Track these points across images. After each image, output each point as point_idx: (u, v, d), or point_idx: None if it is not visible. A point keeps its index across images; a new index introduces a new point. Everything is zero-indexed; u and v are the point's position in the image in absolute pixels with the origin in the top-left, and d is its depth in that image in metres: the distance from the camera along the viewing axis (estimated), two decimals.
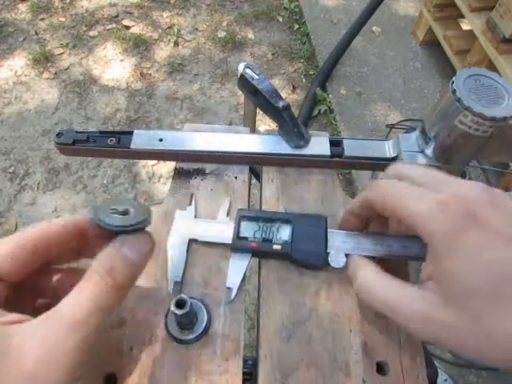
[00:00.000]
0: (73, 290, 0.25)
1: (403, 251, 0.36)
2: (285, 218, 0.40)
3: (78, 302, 0.25)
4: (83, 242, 0.30)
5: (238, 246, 0.39)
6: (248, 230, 0.40)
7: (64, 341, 0.23)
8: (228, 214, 0.42)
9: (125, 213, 0.28)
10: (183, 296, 0.33)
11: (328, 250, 0.38)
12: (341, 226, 0.39)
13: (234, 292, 0.37)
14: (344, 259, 0.37)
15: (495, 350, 0.25)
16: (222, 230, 0.40)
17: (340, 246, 0.38)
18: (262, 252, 0.39)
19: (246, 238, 0.39)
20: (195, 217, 0.42)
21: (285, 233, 0.40)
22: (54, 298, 0.26)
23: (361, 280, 0.33)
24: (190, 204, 0.43)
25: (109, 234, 0.28)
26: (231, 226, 0.40)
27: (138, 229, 0.28)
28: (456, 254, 0.26)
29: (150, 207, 0.30)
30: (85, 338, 0.24)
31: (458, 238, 0.26)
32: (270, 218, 0.40)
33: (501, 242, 0.26)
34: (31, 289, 0.30)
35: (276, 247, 0.39)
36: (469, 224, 0.26)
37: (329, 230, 0.39)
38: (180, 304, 0.33)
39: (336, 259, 0.37)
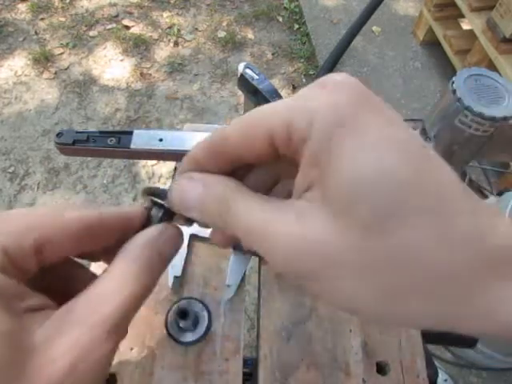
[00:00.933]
0: (106, 281, 0.21)
1: None
2: None
3: (117, 301, 0.20)
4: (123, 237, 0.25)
5: (240, 245, 0.39)
6: None
7: (99, 347, 0.19)
8: None
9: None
10: (185, 305, 0.33)
11: None
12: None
13: (234, 289, 0.37)
14: None
15: (383, 277, 0.17)
16: None
17: None
18: None
19: None
20: None
21: None
22: (66, 288, 0.23)
23: (212, 201, 0.21)
24: None
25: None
26: None
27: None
28: (352, 136, 0.17)
29: None
30: (118, 343, 0.20)
31: (353, 118, 0.18)
32: None
33: (398, 125, 0.18)
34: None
35: None
36: (363, 102, 0.18)
37: None
38: (183, 313, 0.33)
39: None
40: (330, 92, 0.19)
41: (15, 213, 0.22)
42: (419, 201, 0.17)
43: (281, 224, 0.18)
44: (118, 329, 0.20)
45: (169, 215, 0.25)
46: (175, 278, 0.38)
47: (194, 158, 0.23)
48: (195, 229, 0.40)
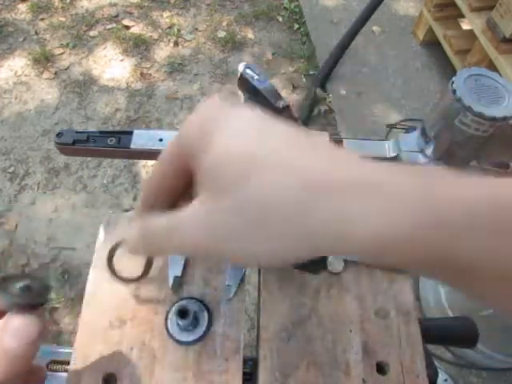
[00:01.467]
0: None
1: None
2: None
3: None
4: None
5: None
6: None
7: None
8: None
9: (27, 288, 0.26)
10: (185, 305, 0.33)
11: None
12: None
13: (234, 289, 0.37)
14: (342, 265, 0.38)
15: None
16: None
17: None
18: None
19: None
20: None
21: None
22: None
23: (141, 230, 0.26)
24: None
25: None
26: None
27: (37, 305, 0.26)
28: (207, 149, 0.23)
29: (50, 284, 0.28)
30: None
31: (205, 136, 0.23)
32: None
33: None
34: None
35: None
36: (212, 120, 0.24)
37: None
38: (183, 313, 0.33)
39: (334, 265, 0.38)
40: (194, 124, 0.25)
41: None
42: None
43: (181, 216, 0.24)
44: None
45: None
46: (175, 277, 0.38)
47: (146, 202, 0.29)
48: None
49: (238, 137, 0.22)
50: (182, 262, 0.39)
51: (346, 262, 0.38)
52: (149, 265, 0.36)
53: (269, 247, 0.21)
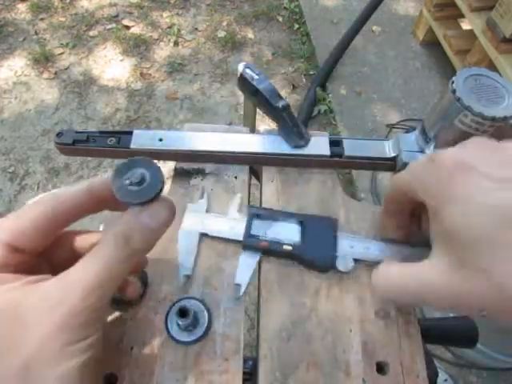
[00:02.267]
0: (89, 253, 0.25)
1: (412, 258, 0.37)
2: (296, 219, 0.41)
3: (93, 269, 0.24)
4: (103, 205, 0.29)
5: (249, 243, 0.39)
6: (259, 228, 0.40)
7: (76, 304, 0.23)
8: (239, 210, 0.42)
9: (141, 182, 0.26)
10: (185, 305, 0.33)
11: (336, 254, 0.38)
12: (382, 235, 0.39)
13: (243, 288, 0.38)
14: (352, 264, 0.38)
15: (509, 303, 0.23)
16: (233, 225, 0.40)
17: (348, 250, 0.39)
18: (272, 251, 0.39)
19: (257, 236, 0.39)
20: (207, 211, 0.42)
21: (295, 233, 0.40)
22: (74, 259, 0.26)
23: (377, 279, 0.32)
24: (201, 198, 0.43)
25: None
26: (242, 222, 0.40)
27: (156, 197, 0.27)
28: (449, 204, 0.25)
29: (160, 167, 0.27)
30: (96, 305, 0.24)
31: (449, 188, 0.25)
32: (282, 218, 0.41)
33: (493, 183, 0.23)
34: (50, 254, 0.29)
35: (286, 248, 0.39)
36: (458, 171, 0.25)
37: (338, 233, 0.40)
38: (183, 313, 0.33)
39: (344, 263, 0.38)
40: (435, 169, 0.27)
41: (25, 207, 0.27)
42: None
43: (424, 273, 0.28)
44: (92, 294, 0.24)
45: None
46: (185, 276, 0.38)
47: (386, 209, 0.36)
48: (205, 227, 0.40)
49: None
50: (192, 261, 0.39)
51: (356, 260, 0.38)
52: (144, 287, 0.37)
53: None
